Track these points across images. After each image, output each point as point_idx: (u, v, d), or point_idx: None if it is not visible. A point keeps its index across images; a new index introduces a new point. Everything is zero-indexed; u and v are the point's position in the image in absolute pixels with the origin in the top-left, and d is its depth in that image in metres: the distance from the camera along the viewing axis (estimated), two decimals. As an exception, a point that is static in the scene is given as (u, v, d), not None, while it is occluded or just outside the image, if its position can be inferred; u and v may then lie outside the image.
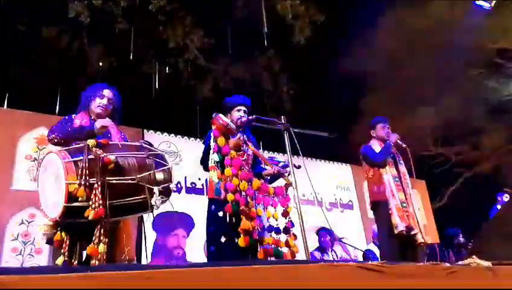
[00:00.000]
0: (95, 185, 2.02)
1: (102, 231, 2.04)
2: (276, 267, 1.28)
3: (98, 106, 2.73)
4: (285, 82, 9.30)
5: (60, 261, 2.17)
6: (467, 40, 8.50)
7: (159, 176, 2.28)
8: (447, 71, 9.10)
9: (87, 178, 2.02)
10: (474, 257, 1.92)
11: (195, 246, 5.60)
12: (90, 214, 1.98)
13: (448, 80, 9.22)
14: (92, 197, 2.01)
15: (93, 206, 1.99)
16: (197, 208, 5.64)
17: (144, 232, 3.58)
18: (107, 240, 2.04)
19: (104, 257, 2.04)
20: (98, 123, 2.46)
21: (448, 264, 1.62)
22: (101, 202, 2.00)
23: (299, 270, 1.28)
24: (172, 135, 6.38)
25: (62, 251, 2.18)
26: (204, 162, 3.15)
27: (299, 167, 2.93)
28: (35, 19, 7.26)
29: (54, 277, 1.07)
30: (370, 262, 1.40)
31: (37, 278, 1.05)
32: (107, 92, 2.79)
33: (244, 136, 3.22)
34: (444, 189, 11.32)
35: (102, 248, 2.02)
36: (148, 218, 3.21)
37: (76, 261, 2.19)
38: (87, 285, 1.04)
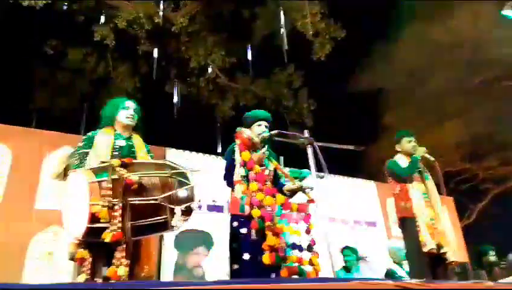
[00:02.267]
0: (116, 207, 2.01)
1: (124, 254, 2.01)
2: (316, 285, 1.22)
3: (127, 117, 2.76)
4: (306, 98, 9.27)
5: (81, 278, 2.16)
6: (494, 53, 8.32)
7: (182, 194, 2.26)
8: (474, 84, 8.91)
9: (111, 199, 2.02)
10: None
11: (216, 265, 5.52)
12: (107, 236, 1.97)
13: (476, 93, 9.01)
14: (111, 219, 2.00)
15: (111, 228, 1.97)
16: (217, 225, 5.59)
17: (161, 249, 3.54)
18: (128, 262, 2.01)
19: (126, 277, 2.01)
20: None
21: (491, 283, 1.51)
22: (120, 224, 1.99)
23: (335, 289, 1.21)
24: (194, 152, 6.39)
25: (84, 268, 2.16)
26: (227, 177, 3.10)
27: (322, 177, 2.85)
28: (62, 42, 7.50)
29: None
30: (409, 281, 1.32)
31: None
32: (130, 103, 2.85)
33: (266, 151, 3.19)
34: (472, 206, 10.97)
35: (122, 271, 2.00)
36: (168, 236, 3.17)
37: (97, 280, 2.16)
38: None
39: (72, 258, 2.32)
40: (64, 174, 2.49)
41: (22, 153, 5.04)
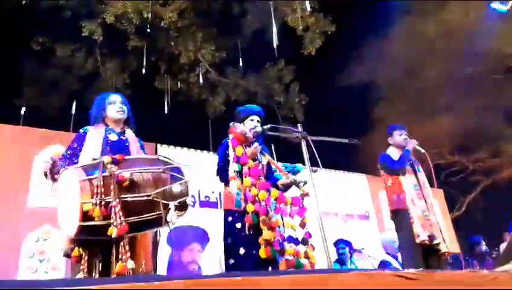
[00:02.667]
0: (113, 203, 1.98)
1: (127, 248, 1.99)
2: (313, 276, 1.22)
3: (117, 112, 2.72)
4: (297, 93, 9.27)
5: (80, 277, 2.13)
6: (484, 46, 8.38)
7: (176, 189, 2.22)
8: (464, 78, 8.98)
9: (103, 196, 1.99)
10: (512, 263, 1.82)
11: (210, 261, 5.52)
12: (113, 231, 1.95)
13: (466, 86, 9.09)
14: (112, 215, 1.96)
15: (114, 223, 1.95)
16: (211, 221, 5.58)
17: (157, 247, 3.52)
18: (129, 256, 1.99)
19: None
20: None
21: (486, 271, 1.53)
22: (123, 219, 1.96)
23: (336, 279, 1.22)
24: (185, 148, 6.37)
25: (81, 267, 2.14)
26: (221, 172, 3.09)
27: (315, 171, 2.86)
28: (49, 38, 7.39)
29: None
30: (406, 270, 1.34)
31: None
32: (115, 97, 2.79)
33: (259, 146, 3.18)
34: (462, 198, 11.10)
35: (131, 264, 1.97)
36: (162, 232, 3.15)
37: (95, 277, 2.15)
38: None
39: (67, 255, 2.29)
40: (51, 172, 2.44)
41: (11, 152, 4.98)
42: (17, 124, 5.90)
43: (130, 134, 2.77)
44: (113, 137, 2.65)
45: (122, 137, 2.70)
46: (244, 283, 1.09)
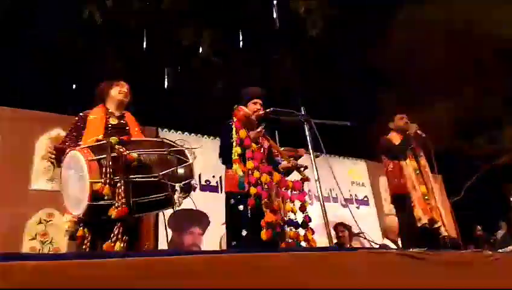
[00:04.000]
0: (119, 184, 2.00)
1: (121, 230, 2.01)
2: (322, 253, 1.24)
3: (120, 93, 2.76)
4: (299, 77, 9.21)
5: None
6: (487, 31, 8.32)
7: (181, 172, 2.26)
8: (464, 62, 8.93)
9: (111, 176, 2.01)
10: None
11: (210, 244, 5.58)
12: (113, 213, 1.97)
13: (466, 71, 9.05)
14: (116, 195, 1.99)
15: (116, 205, 1.97)
16: (211, 205, 5.61)
17: (166, 228, 3.55)
18: (126, 237, 2.01)
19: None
20: None
21: (489, 252, 1.56)
22: (124, 200, 1.98)
23: (344, 257, 1.24)
24: (186, 133, 6.37)
25: (83, 247, 2.17)
26: (224, 155, 3.10)
27: (318, 156, 2.88)
28: (48, 21, 7.30)
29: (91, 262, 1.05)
30: (413, 250, 1.36)
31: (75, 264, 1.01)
32: (122, 81, 2.85)
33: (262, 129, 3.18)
34: (460, 183, 11.14)
35: (118, 246, 2.00)
36: (163, 216, 3.19)
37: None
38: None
39: (72, 237, 2.32)
40: (57, 159, 2.46)
41: (12, 134, 4.97)
42: (18, 107, 5.87)
43: (129, 117, 2.79)
44: (114, 121, 2.68)
45: (122, 121, 2.72)
46: (253, 258, 1.11)
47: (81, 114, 2.72)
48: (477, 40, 8.65)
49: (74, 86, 7.19)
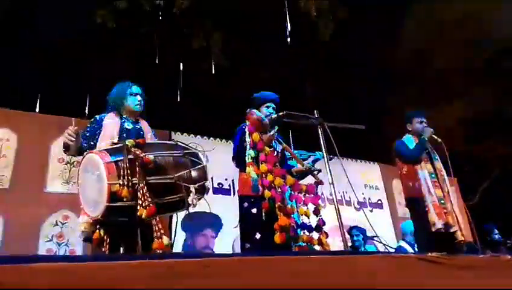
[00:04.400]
0: (141, 185, 2.03)
1: (160, 226, 2.04)
2: (340, 257, 1.24)
3: (136, 105, 2.78)
4: (311, 81, 9.20)
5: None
6: (498, 32, 8.21)
7: (195, 174, 2.29)
8: (478, 64, 8.82)
9: (129, 178, 2.04)
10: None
11: (223, 246, 5.59)
12: (143, 212, 1.99)
13: (480, 72, 8.93)
14: (139, 196, 2.02)
15: (143, 205, 2.00)
16: (224, 208, 5.63)
17: (175, 231, 3.57)
18: (163, 231, 2.05)
19: None
20: None
21: (508, 256, 1.54)
22: (150, 200, 2.02)
23: (362, 261, 1.23)
24: (199, 136, 6.40)
25: (103, 249, 2.19)
26: (237, 158, 3.11)
27: (331, 159, 2.87)
28: (63, 26, 7.41)
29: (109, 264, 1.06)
30: (430, 254, 1.35)
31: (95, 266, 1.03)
32: (136, 89, 2.85)
33: (275, 132, 3.19)
34: (476, 186, 10.99)
35: (167, 240, 2.04)
36: (177, 218, 3.21)
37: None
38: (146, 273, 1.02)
39: (87, 238, 2.34)
40: (73, 145, 2.48)
41: (28, 137, 5.06)
42: (33, 111, 5.97)
43: (144, 124, 2.85)
44: (129, 126, 2.72)
45: (136, 126, 2.77)
46: (267, 262, 1.11)
47: (96, 117, 2.76)
48: (491, 40, 8.54)
49: (90, 90, 7.26)
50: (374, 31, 8.61)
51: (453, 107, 9.33)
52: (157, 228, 2.05)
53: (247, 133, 3.02)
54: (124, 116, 2.77)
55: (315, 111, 2.88)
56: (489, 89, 9.13)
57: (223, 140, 6.53)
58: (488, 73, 9.09)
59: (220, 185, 6.18)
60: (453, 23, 8.60)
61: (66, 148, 2.54)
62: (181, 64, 8.47)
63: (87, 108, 6.74)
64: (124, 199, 2.00)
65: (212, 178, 6.07)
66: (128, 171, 2.04)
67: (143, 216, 1.99)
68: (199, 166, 2.32)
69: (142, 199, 2.00)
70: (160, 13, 7.86)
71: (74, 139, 2.43)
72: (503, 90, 9.25)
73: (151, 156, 2.11)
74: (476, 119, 9.55)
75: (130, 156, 2.08)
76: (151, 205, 2.01)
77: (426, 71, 9.19)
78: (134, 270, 1.03)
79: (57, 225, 4.78)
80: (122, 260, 1.14)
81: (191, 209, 2.49)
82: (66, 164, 5.09)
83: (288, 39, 8.16)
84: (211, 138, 6.52)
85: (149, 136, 2.78)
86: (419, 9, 8.55)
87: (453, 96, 9.38)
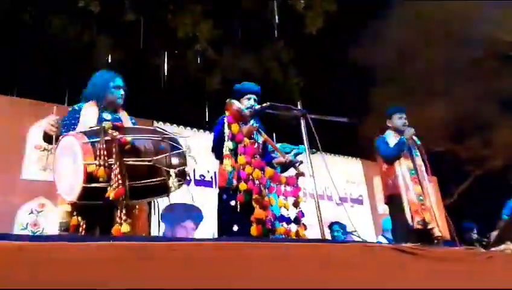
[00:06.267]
0: (114, 166, 1.98)
1: (124, 211, 2.00)
2: (315, 245, 1.22)
3: (118, 98, 2.73)
4: (295, 73, 9.20)
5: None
6: (480, 32, 8.32)
7: (174, 159, 2.26)
8: (458, 63, 8.93)
9: (106, 158, 1.99)
10: (508, 243, 1.84)
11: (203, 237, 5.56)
12: (110, 194, 1.95)
13: (460, 72, 9.05)
14: (112, 177, 1.98)
15: (113, 186, 1.95)
16: (206, 200, 5.60)
17: (159, 220, 3.52)
18: (130, 220, 2.00)
19: None
20: None
21: (482, 250, 1.54)
22: (120, 181, 1.97)
23: (337, 249, 1.22)
24: (182, 126, 6.34)
25: (78, 235, 2.14)
26: (216, 149, 3.07)
27: (314, 152, 2.85)
28: (44, 9, 7.23)
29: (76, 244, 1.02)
30: (406, 245, 1.34)
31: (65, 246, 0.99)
32: (119, 81, 2.78)
33: (256, 124, 3.15)
34: (454, 186, 11.18)
35: (125, 227, 2.00)
36: (156, 208, 3.16)
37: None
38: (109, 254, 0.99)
39: (65, 229, 2.28)
40: (50, 139, 2.41)
41: (4, 123, 4.91)
42: (10, 95, 5.79)
43: (123, 113, 2.79)
44: (107, 116, 2.66)
45: (115, 116, 2.71)
46: (241, 246, 1.09)
47: (75, 107, 2.68)
48: (474, 39, 8.65)
49: (68, 76, 7.10)
50: (358, 27, 8.64)
51: (434, 106, 9.45)
52: (120, 213, 2.01)
53: (226, 124, 2.98)
54: (103, 106, 2.70)
55: (298, 103, 2.85)
56: (470, 89, 9.26)
57: (206, 131, 6.47)
58: (469, 73, 9.22)
59: (202, 177, 6.13)
60: (436, 22, 8.69)
61: (47, 138, 2.46)
62: (165, 52, 8.36)
63: (66, 95, 6.58)
64: (100, 180, 1.96)
65: (194, 170, 6.02)
66: (105, 152, 1.99)
67: (110, 197, 1.95)
68: (179, 151, 2.29)
69: (114, 179, 1.96)
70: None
71: (55, 130, 2.35)
72: (485, 90, 9.40)
73: (128, 138, 2.07)
74: (457, 119, 9.69)
75: (107, 138, 2.03)
76: (120, 186, 1.95)
77: (408, 69, 9.26)
78: (94, 252, 0.99)
79: (32, 213, 4.67)
80: (85, 241, 1.10)
81: (172, 201, 2.46)
82: (43, 150, 4.96)
83: (275, 31, 8.13)
84: (194, 129, 6.46)
85: (128, 124, 2.72)
86: (403, 8, 8.61)
87: (434, 95, 9.49)
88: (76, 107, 2.67)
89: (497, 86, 9.36)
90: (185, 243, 1.12)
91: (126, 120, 2.74)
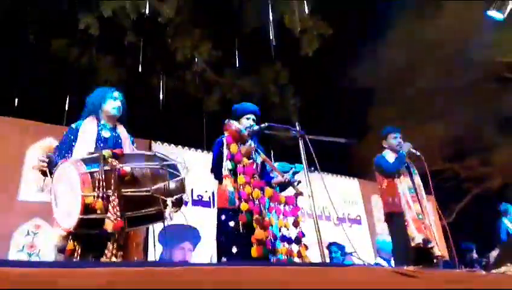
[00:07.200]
0: (112, 197, 1.97)
1: (115, 245, 1.98)
2: (313, 268, 1.21)
3: (113, 108, 2.72)
4: (293, 94, 9.28)
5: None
6: (477, 54, 8.45)
7: (172, 186, 2.24)
8: (456, 84, 9.05)
9: (104, 190, 1.98)
10: (509, 264, 1.83)
11: (201, 260, 5.49)
12: (109, 226, 1.93)
13: (458, 93, 9.16)
14: (110, 209, 1.97)
15: (112, 218, 1.94)
16: (203, 220, 5.55)
17: (154, 243, 3.49)
18: (121, 253, 1.98)
19: None
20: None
21: (483, 272, 1.54)
22: (119, 213, 1.96)
23: (336, 272, 1.21)
24: (180, 146, 6.33)
25: (74, 260, 2.12)
26: (215, 170, 3.07)
27: (312, 172, 2.85)
28: (45, 30, 7.32)
29: (65, 271, 1.01)
30: (406, 268, 1.33)
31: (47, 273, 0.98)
32: (117, 94, 2.80)
33: (254, 144, 3.16)
34: (453, 204, 11.17)
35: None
36: (154, 230, 3.13)
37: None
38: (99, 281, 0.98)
39: (61, 250, 2.26)
40: (49, 169, 2.41)
41: (3, 143, 4.91)
42: (10, 115, 5.80)
43: (122, 130, 2.78)
44: (106, 133, 2.66)
45: (114, 133, 2.70)
46: (244, 271, 1.08)
47: (72, 126, 2.68)
48: (472, 62, 8.77)
49: (68, 97, 7.14)
50: (355, 48, 8.76)
51: (433, 126, 9.52)
52: (111, 247, 2.00)
53: (225, 144, 2.98)
54: (102, 122, 2.71)
55: (296, 123, 2.87)
56: (469, 109, 9.35)
57: (204, 151, 6.47)
58: (468, 93, 9.33)
59: (200, 197, 6.10)
60: (435, 43, 8.83)
61: (43, 174, 2.47)
62: (164, 73, 8.44)
63: (65, 115, 6.60)
64: (98, 212, 1.95)
65: (192, 190, 5.99)
66: (104, 183, 1.99)
67: (108, 230, 1.93)
68: (177, 178, 2.28)
69: (112, 211, 1.94)
70: (145, 23, 7.82)
71: (47, 165, 2.36)
72: (483, 110, 9.50)
73: (128, 168, 2.07)
74: (456, 139, 9.75)
75: (106, 167, 2.02)
76: (119, 219, 1.94)
77: (408, 90, 9.36)
78: (87, 278, 0.98)
79: (29, 234, 4.61)
80: (80, 267, 1.09)
81: (169, 221, 2.44)
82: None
83: (273, 53, 8.24)
84: (192, 149, 6.45)
85: (127, 143, 2.71)
86: (402, 29, 8.76)
87: (433, 115, 9.57)
88: (73, 126, 2.67)
89: (496, 107, 9.48)
90: (183, 268, 1.11)
91: (125, 137, 2.74)
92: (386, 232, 4.13)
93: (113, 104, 2.72)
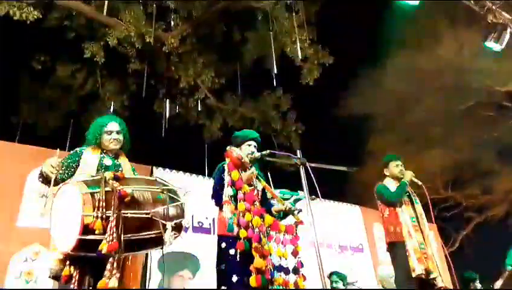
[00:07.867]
0: (111, 218, 1.97)
1: (115, 265, 1.95)
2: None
3: (111, 143, 2.71)
4: (294, 121, 9.36)
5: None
6: (476, 83, 8.57)
7: (172, 211, 2.24)
8: (457, 112, 9.13)
9: (104, 210, 1.98)
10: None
11: (200, 287, 5.40)
12: (103, 247, 1.91)
13: (459, 121, 9.23)
14: (107, 230, 1.96)
15: (108, 239, 1.92)
16: (203, 247, 5.49)
17: (149, 273, 3.45)
18: (119, 275, 1.95)
19: None
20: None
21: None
22: (115, 235, 1.94)
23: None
24: (181, 172, 6.34)
25: (72, 286, 2.08)
26: (216, 196, 3.06)
27: (313, 199, 2.84)
28: (51, 58, 7.45)
29: None
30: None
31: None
32: (111, 125, 2.76)
33: (255, 171, 3.16)
34: (455, 233, 11.06)
35: (113, 282, 1.93)
36: (153, 257, 3.09)
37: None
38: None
39: (55, 276, 2.23)
40: (48, 181, 2.40)
41: (4, 169, 4.91)
42: (13, 140, 5.83)
43: (123, 159, 2.79)
44: (108, 161, 2.67)
45: (116, 162, 2.72)
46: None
47: (77, 149, 2.70)
48: (471, 91, 8.88)
49: (71, 123, 7.20)
50: (357, 77, 8.89)
51: (433, 155, 9.53)
52: (110, 267, 1.96)
53: (226, 171, 2.99)
54: (104, 150, 2.73)
55: (298, 151, 2.88)
56: (468, 138, 9.39)
57: (205, 177, 6.47)
58: (467, 122, 9.39)
59: (200, 224, 6.05)
60: (435, 72, 8.95)
61: (44, 178, 2.45)
62: (167, 99, 8.54)
63: (68, 141, 6.64)
64: (96, 232, 1.93)
65: (192, 216, 5.95)
66: (104, 204, 1.98)
67: (103, 251, 1.91)
68: (177, 203, 2.28)
69: (109, 232, 1.93)
70: (150, 52, 7.96)
71: (56, 172, 2.34)
72: (482, 138, 9.54)
73: (129, 190, 2.06)
74: (457, 167, 9.76)
75: (107, 189, 2.02)
76: (115, 240, 1.93)
77: (408, 118, 9.44)
78: None
79: (27, 261, 4.56)
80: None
81: (169, 249, 2.41)
82: (41, 197, 4.92)
83: (274, 81, 8.35)
84: (194, 175, 6.46)
85: (129, 170, 2.72)
86: (402, 57, 8.90)
87: (434, 144, 9.60)
88: (78, 150, 2.69)
89: (495, 135, 9.52)
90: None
91: (126, 165, 2.74)
92: (389, 260, 4.07)
93: (109, 138, 2.71)
